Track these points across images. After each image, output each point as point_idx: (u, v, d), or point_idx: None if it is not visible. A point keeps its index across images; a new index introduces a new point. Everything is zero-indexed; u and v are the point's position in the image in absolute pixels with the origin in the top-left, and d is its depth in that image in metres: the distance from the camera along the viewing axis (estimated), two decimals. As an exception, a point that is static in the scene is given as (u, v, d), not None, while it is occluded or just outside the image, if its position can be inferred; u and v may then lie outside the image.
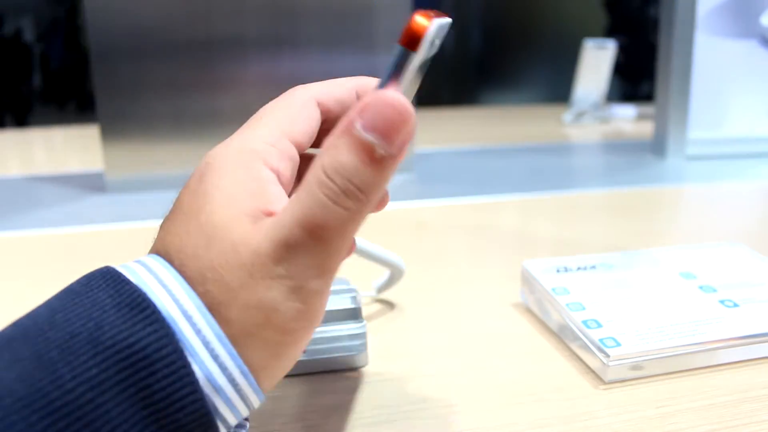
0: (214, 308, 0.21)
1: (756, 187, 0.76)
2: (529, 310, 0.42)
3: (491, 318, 0.41)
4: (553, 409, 0.31)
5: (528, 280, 0.41)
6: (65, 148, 1.16)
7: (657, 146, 0.92)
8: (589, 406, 0.31)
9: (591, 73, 1.26)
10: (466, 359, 0.36)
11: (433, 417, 0.30)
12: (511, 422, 0.30)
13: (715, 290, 0.39)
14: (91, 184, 0.80)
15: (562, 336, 0.37)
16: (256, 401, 0.23)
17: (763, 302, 0.38)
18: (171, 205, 0.24)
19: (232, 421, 0.22)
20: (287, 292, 0.22)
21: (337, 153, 0.21)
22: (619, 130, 1.22)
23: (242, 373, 0.22)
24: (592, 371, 0.34)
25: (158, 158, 0.76)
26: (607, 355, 0.33)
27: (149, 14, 0.73)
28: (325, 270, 0.22)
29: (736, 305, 0.38)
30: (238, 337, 0.21)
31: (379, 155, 0.21)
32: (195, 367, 0.21)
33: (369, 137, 0.21)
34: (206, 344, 0.21)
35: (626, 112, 1.34)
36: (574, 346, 0.36)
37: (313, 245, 0.22)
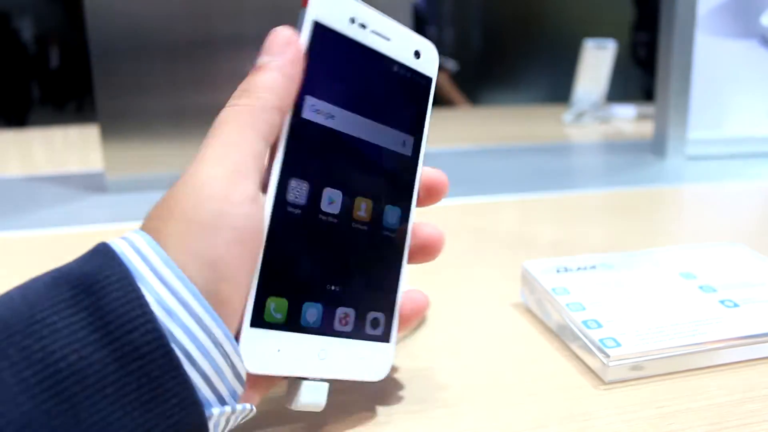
0: (160, 236, 0.23)
1: (756, 187, 0.76)
2: (529, 310, 0.42)
3: (491, 318, 0.41)
4: (553, 409, 0.31)
5: (528, 280, 0.41)
6: (65, 148, 1.16)
7: (657, 146, 0.92)
8: (589, 406, 0.31)
9: (591, 73, 1.27)
10: (466, 359, 0.36)
11: (433, 417, 0.30)
12: (511, 422, 0.30)
13: (715, 290, 0.39)
14: (91, 184, 0.80)
15: (562, 336, 0.37)
16: (220, 335, 0.23)
17: (763, 302, 0.38)
18: None
19: (198, 358, 0.22)
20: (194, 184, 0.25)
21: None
22: (619, 130, 1.22)
23: (193, 294, 0.22)
24: (592, 371, 0.34)
25: (158, 158, 0.76)
26: (607, 356, 0.33)
27: (149, 14, 0.73)
28: (219, 164, 0.25)
29: (736, 305, 0.38)
30: (171, 249, 0.23)
31: (262, 62, 0.27)
32: (145, 292, 0.22)
33: (261, 57, 0.27)
34: (154, 271, 0.22)
35: (626, 112, 1.34)
36: (574, 346, 0.36)
37: (212, 137, 0.26)
